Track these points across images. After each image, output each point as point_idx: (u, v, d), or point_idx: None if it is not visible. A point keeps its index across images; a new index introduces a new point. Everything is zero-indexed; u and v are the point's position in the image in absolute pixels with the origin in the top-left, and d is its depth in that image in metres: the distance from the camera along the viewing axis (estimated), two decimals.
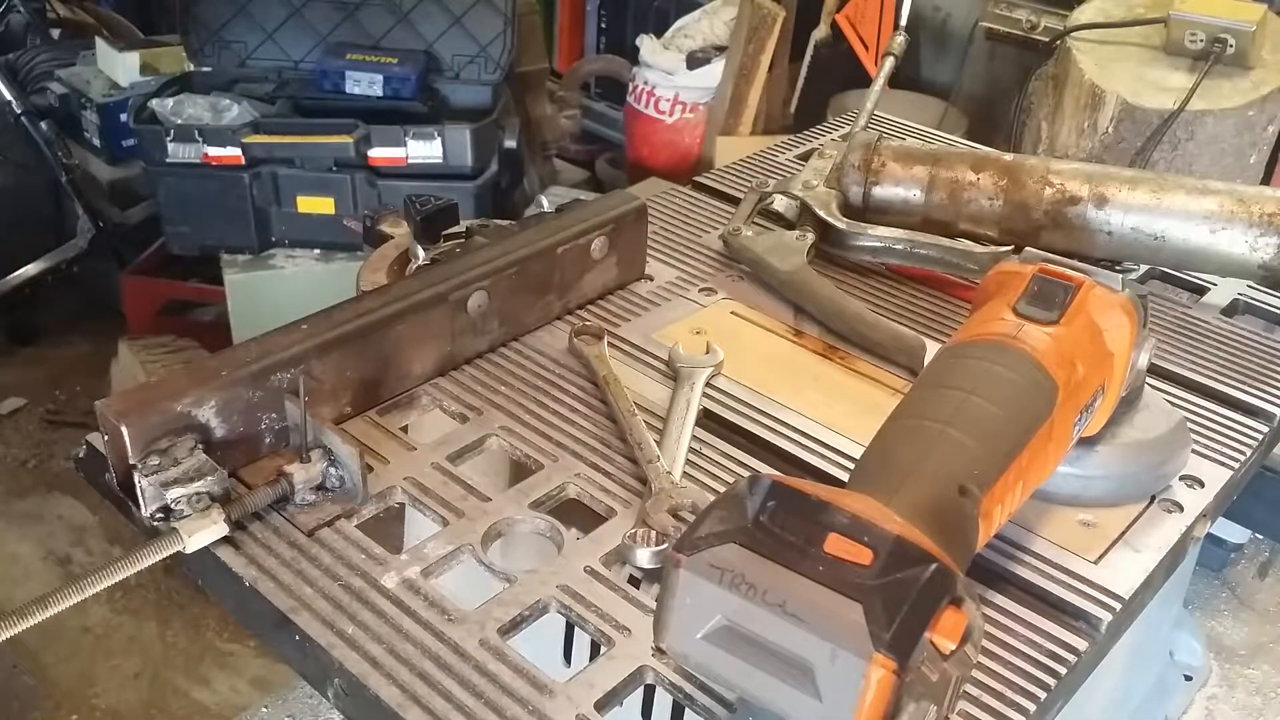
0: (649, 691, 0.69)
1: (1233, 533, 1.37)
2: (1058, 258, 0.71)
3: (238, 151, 2.15)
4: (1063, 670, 0.64)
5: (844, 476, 0.77)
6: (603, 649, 0.64)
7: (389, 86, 2.34)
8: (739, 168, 1.24)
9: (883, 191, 1.04)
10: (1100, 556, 0.72)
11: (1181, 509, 0.77)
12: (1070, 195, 0.98)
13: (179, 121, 2.22)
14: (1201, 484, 0.79)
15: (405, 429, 0.82)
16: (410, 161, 2.25)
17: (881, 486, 0.54)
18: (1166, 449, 0.78)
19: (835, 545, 0.48)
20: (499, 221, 1.00)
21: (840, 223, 1.03)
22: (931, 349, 0.85)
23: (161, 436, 0.69)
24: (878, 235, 1.02)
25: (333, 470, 0.72)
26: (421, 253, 0.94)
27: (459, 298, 0.84)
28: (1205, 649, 1.15)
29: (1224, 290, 1.06)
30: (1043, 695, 0.63)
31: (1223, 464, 0.82)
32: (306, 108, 2.31)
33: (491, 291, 0.86)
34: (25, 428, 2.58)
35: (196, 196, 2.24)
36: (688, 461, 0.78)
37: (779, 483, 0.52)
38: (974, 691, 0.62)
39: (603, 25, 3.54)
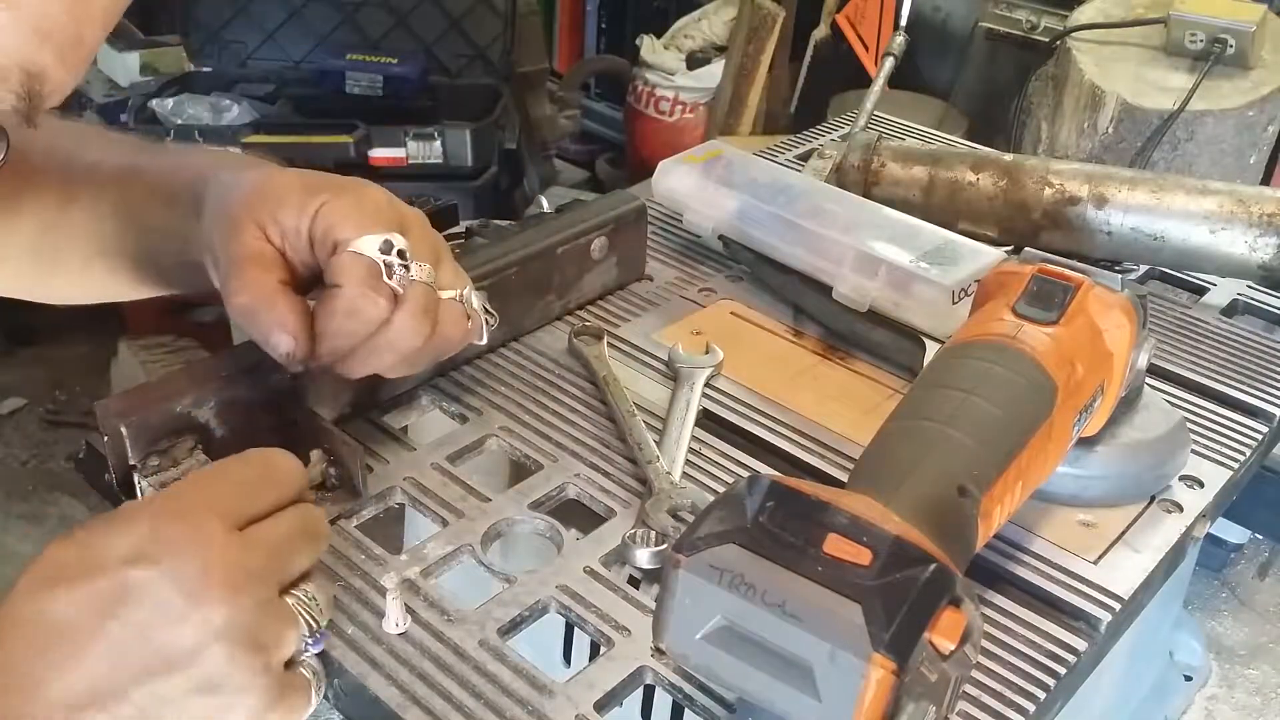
0: (649, 692, 0.69)
1: (1233, 533, 1.37)
2: (1057, 258, 0.71)
3: (238, 151, 2.15)
4: (1062, 670, 0.64)
5: (844, 476, 0.77)
6: (602, 649, 0.64)
7: (389, 86, 2.34)
8: None
9: (882, 192, 1.04)
10: (1100, 557, 0.72)
11: (1181, 509, 0.77)
12: (1070, 195, 0.98)
13: (179, 122, 2.22)
14: (1201, 484, 0.79)
15: (405, 429, 0.82)
16: (410, 162, 2.25)
17: (881, 487, 0.54)
18: (1166, 449, 0.78)
19: (834, 545, 0.48)
20: (498, 222, 1.00)
21: None
22: (931, 349, 0.85)
23: (161, 437, 0.69)
24: None
25: (333, 470, 0.72)
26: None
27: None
28: (1205, 649, 1.15)
29: (1224, 290, 1.06)
30: (1042, 695, 0.63)
31: (1222, 464, 0.82)
32: (306, 108, 2.32)
33: (491, 292, 0.86)
34: (25, 428, 2.57)
35: None
36: (687, 462, 0.78)
37: (778, 483, 0.52)
38: (973, 691, 0.62)
39: (603, 25, 3.53)
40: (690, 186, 1.02)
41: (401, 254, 0.66)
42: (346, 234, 0.65)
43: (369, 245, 0.65)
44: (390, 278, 0.65)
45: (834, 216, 0.94)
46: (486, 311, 0.74)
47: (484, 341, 0.75)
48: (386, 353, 0.67)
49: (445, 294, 0.69)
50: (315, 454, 0.72)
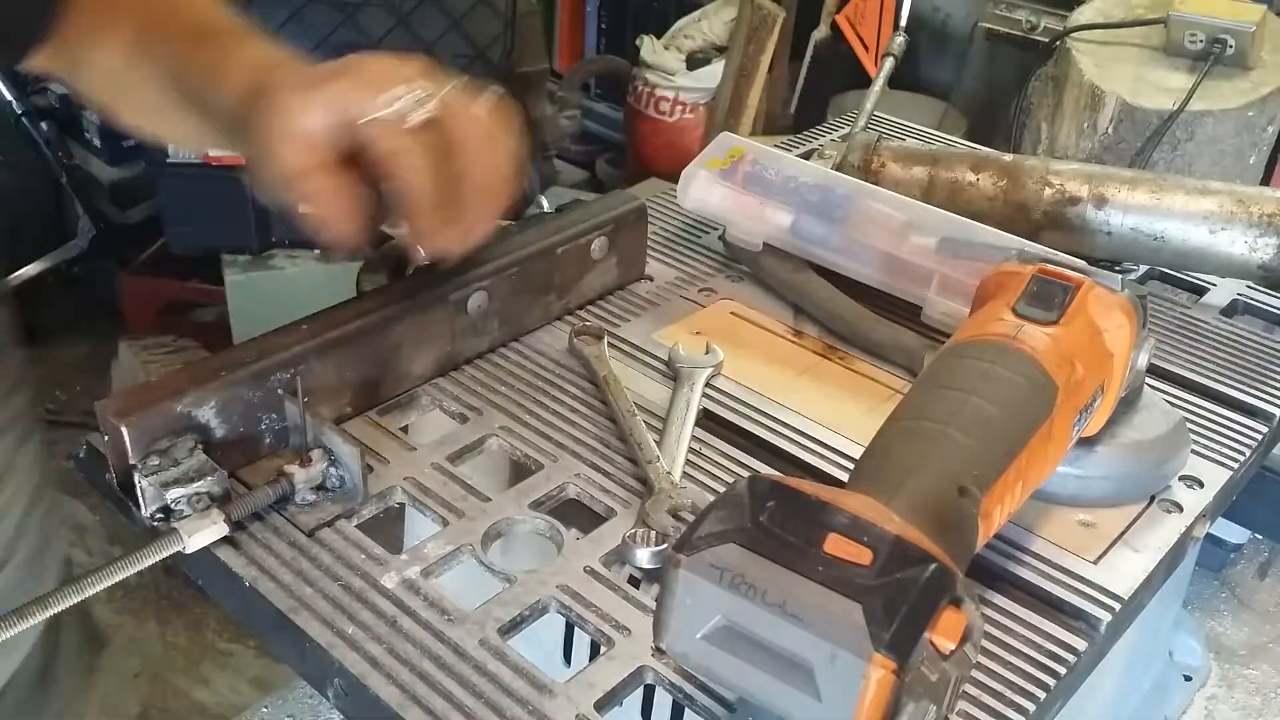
0: (649, 691, 0.69)
1: (1232, 533, 1.37)
2: (1058, 254, 0.71)
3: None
4: (1062, 670, 0.64)
5: (844, 477, 0.77)
6: (602, 649, 0.64)
7: None
8: None
9: None
10: (1100, 557, 0.72)
11: (1181, 509, 0.77)
12: (1070, 195, 0.98)
13: None
14: (1201, 484, 0.80)
15: (405, 429, 0.82)
16: None
17: (881, 487, 0.54)
18: (1166, 449, 0.78)
19: (835, 545, 0.48)
20: (499, 222, 1.00)
21: None
22: (931, 350, 0.85)
23: (161, 437, 0.69)
24: None
25: (333, 470, 0.72)
26: (421, 253, 0.94)
27: (459, 298, 0.84)
28: (1205, 649, 1.15)
29: (1223, 290, 1.06)
30: (1042, 695, 0.63)
31: (1222, 464, 0.82)
32: None
33: (491, 292, 0.86)
34: None
35: (197, 197, 2.24)
36: (688, 462, 0.78)
37: (779, 483, 0.52)
38: (973, 691, 0.62)
39: (603, 25, 3.53)
40: (727, 198, 0.97)
41: (417, 96, 0.66)
42: (354, 113, 0.66)
43: (379, 103, 0.66)
44: (416, 114, 0.66)
45: (902, 229, 0.90)
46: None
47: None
48: (490, 179, 0.70)
49: (481, 97, 0.70)
50: (315, 454, 0.72)
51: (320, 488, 0.73)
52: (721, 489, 0.75)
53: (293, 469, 0.71)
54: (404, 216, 0.69)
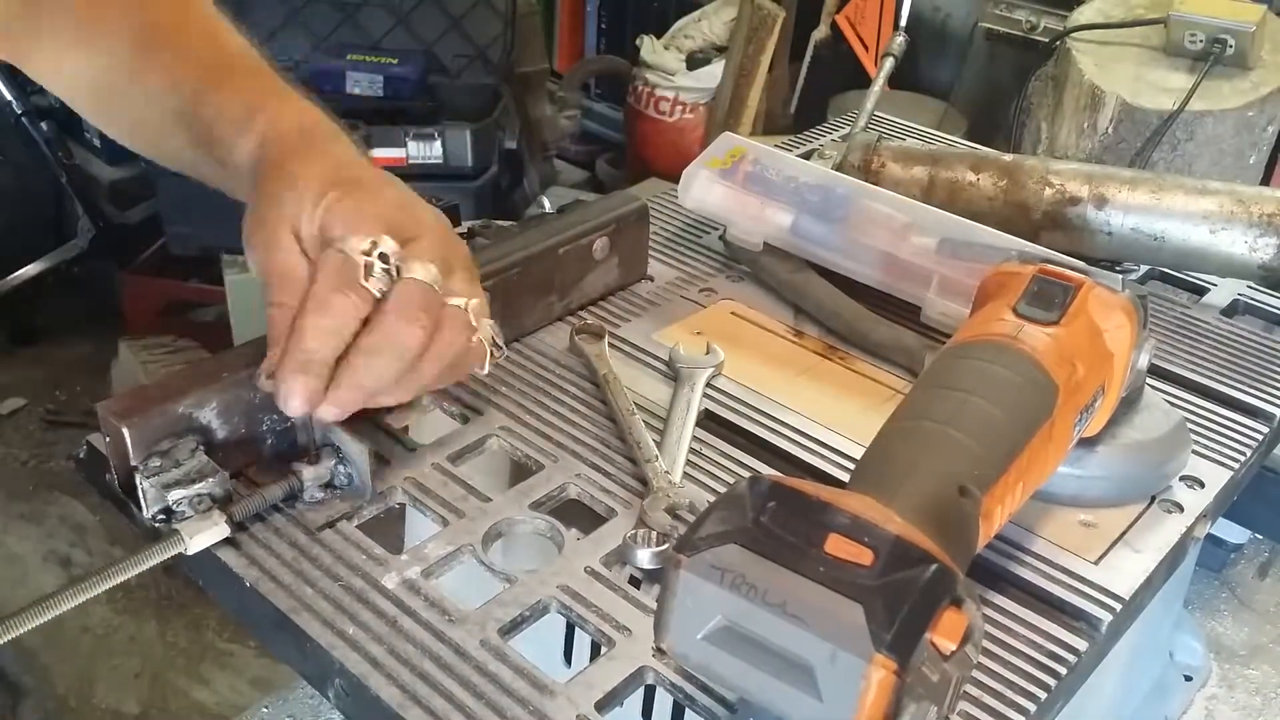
0: (649, 692, 0.69)
1: (1233, 533, 1.37)
2: (1057, 255, 0.71)
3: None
4: (1063, 670, 0.64)
5: (845, 477, 0.77)
6: (603, 649, 0.64)
7: (389, 86, 2.34)
8: None
9: None
10: (1100, 557, 0.72)
11: (1182, 509, 0.77)
12: (1070, 196, 0.98)
13: None
14: (1202, 484, 0.80)
15: (406, 429, 0.82)
16: (410, 162, 2.26)
17: (882, 487, 0.54)
18: (1167, 449, 0.78)
19: (836, 546, 0.48)
20: (499, 222, 1.00)
21: None
22: (931, 350, 0.85)
23: (163, 438, 0.69)
24: None
25: (341, 468, 0.72)
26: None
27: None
28: (1205, 649, 1.15)
29: (1224, 290, 1.06)
30: (1043, 695, 0.63)
31: (1223, 464, 0.82)
32: None
33: (493, 292, 0.86)
34: (25, 428, 2.58)
35: (197, 197, 2.22)
36: (689, 462, 0.78)
37: (779, 483, 0.52)
38: (974, 691, 0.62)
39: (603, 25, 3.53)
40: (728, 198, 0.97)
41: (384, 256, 0.63)
42: (336, 233, 0.64)
43: (352, 244, 0.63)
44: (368, 279, 0.63)
45: (902, 230, 0.90)
46: (495, 344, 0.71)
47: (484, 371, 0.71)
48: (381, 357, 0.64)
49: (451, 300, 0.66)
50: (324, 451, 0.72)
51: (328, 485, 0.73)
52: (722, 489, 0.75)
53: (301, 466, 0.71)
54: (297, 334, 0.63)
